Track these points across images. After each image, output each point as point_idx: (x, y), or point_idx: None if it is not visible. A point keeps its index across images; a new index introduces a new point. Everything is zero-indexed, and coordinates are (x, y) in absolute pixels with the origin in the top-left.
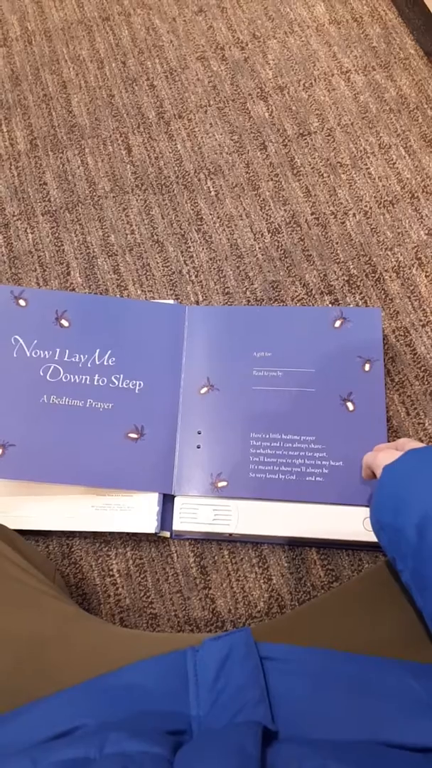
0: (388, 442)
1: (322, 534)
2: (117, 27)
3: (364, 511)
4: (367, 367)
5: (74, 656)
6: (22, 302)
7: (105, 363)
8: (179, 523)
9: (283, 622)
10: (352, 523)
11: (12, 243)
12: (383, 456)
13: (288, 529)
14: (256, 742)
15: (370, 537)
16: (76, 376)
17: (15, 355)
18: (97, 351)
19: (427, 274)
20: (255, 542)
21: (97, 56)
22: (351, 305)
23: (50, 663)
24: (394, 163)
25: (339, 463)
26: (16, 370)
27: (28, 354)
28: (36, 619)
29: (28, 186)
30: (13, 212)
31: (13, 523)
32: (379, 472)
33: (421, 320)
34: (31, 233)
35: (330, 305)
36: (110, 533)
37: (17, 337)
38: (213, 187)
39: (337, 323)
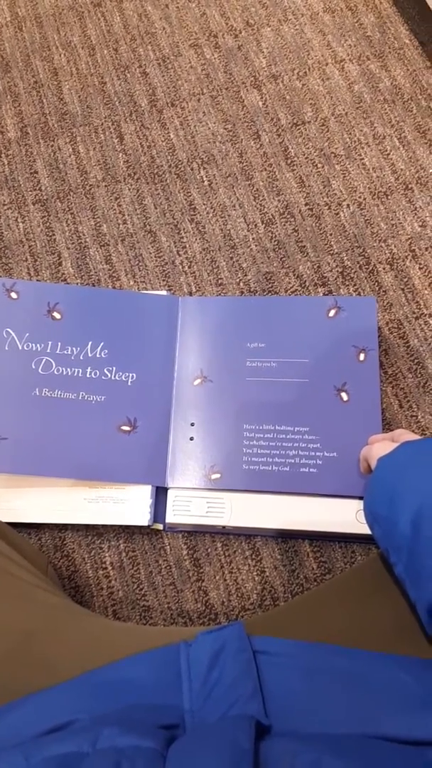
0: (383, 433)
1: (315, 526)
2: (109, 13)
3: (358, 504)
4: (361, 356)
5: (66, 650)
6: (13, 295)
7: (97, 355)
8: (172, 516)
9: (276, 616)
10: (345, 515)
11: (2, 233)
12: (378, 447)
13: (281, 521)
14: (250, 736)
15: (363, 529)
16: (69, 369)
17: (7, 348)
18: (90, 343)
19: (421, 266)
20: (248, 534)
21: (88, 43)
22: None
23: (42, 657)
24: (389, 154)
25: (333, 454)
26: (8, 364)
27: (20, 347)
28: (27, 613)
29: (18, 174)
30: (4, 201)
31: (5, 516)
32: (374, 464)
33: (414, 312)
34: (22, 222)
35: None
36: (103, 526)
37: (9, 330)
38: (206, 176)
39: (332, 312)
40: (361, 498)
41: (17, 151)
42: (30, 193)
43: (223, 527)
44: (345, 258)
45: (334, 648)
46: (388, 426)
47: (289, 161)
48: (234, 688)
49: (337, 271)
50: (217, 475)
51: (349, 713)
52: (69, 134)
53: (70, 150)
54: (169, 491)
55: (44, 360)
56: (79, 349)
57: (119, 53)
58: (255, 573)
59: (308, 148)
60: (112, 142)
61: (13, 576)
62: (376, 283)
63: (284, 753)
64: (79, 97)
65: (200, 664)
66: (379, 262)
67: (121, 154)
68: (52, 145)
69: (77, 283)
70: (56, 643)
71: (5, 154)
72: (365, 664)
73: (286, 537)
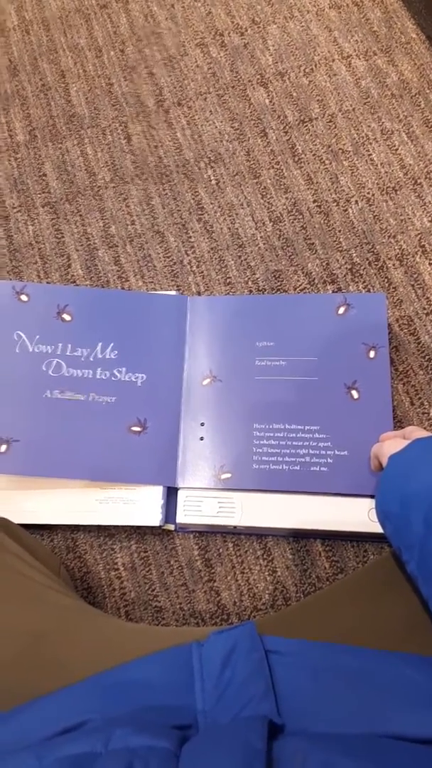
0: (394, 430)
1: (327, 525)
2: (115, 14)
3: (369, 502)
4: (372, 354)
5: (79, 651)
6: (23, 297)
7: (107, 356)
8: (183, 516)
9: (288, 615)
10: (357, 514)
11: (12, 235)
12: (389, 445)
13: (292, 520)
14: (263, 736)
15: (376, 528)
16: (79, 371)
17: (17, 351)
18: (99, 344)
19: (431, 261)
20: (259, 534)
21: (95, 44)
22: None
23: (55, 658)
24: (397, 149)
25: (344, 453)
26: (19, 366)
27: (31, 349)
28: (40, 614)
29: (27, 177)
30: (13, 204)
31: (18, 518)
32: (385, 461)
33: (425, 308)
34: (31, 225)
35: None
36: (114, 527)
37: (20, 332)
38: (213, 175)
39: (341, 310)
40: (372, 496)
41: (26, 154)
42: (39, 195)
43: (234, 527)
44: (354, 255)
45: (344, 647)
46: (399, 423)
47: (296, 158)
48: (246, 688)
49: (346, 268)
50: (228, 475)
51: (359, 712)
52: (77, 136)
53: (78, 152)
54: (180, 491)
55: (55, 362)
56: (89, 350)
57: (126, 54)
58: (267, 573)
59: (315, 144)
60: (120, 143)
61: (25, 577)
62: (386, 280)
63: (296, 752)
64: (87, 98)
65: (212, 664)
66: (389, 258)
67: (128, 155)
68: (60, 148)
69: (86, 285)
70: (68, 644)
71: (14, 157)
72: (376, 662)
73: (297, 536)
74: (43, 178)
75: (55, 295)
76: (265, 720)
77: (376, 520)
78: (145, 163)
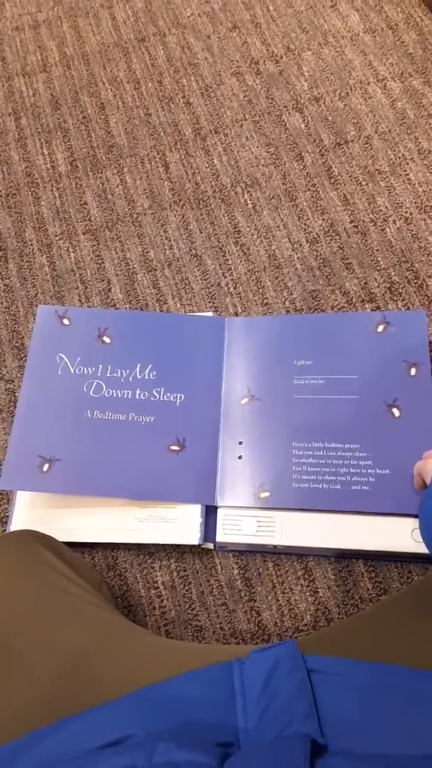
0: None
1: (369, 546)
2: (152, 47)
3: (413, 522)
4: (413, 371)
5: (121, 667)
6: (65, 321)
7: (146, 377)
8: (222, 535)
9: (330, 634)
10: (400, 534)
11: (55, 262)
12: None
13: (333, 540)
14: (305, 755)
15: (420, 548)
16: (119, 391)
17: (60, 373)
18: (138, 365)
19: None
20: (300, 554)
21: (133, 77)
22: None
23: (97, 673)
24: None
25: (386, 471)
26: (61, 388)
27: (72, 371)
28: (83, 630)
29: (69, 206)
30: (56, 232)
31: (60, 536)
32: (429, 479)
33: None
34: (73, 252)
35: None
36: (154, 545)
37: (62, 355)
38: (250, 199)
39: (380, 328)
40: (416, 516)
41: (68, 184)
42: (80, 223)
43: (274, 547)
44: (392, 273)
45: (388, 667)
46: None
47: (332, 180)
48: (289, 707)
49: (385, 286)
50: (267, 494)
51: (404, 733)
52: (116, 165)
53: (118, 181)
54: (219, 510)
55: (95, 383)
56: (128, 371)
57: (163, 85)
58: (308, 593)
59: (352, 166)
60: (158, 171)
61: (70, 594)
62: (426, 297)
63: None
64: (126, 129)
65: (254, 683)
66: (429, 276)
67: (166, 182)
68: (100, 177)
69: (126, 308)
70: (111, 659)
71: (56, 187)
72: (420, 682)
73: (339, 557)
74: (84, 206)
75: (95, 318)
76: (308, 739)
77: (420, 539)
78: (183, 190)
